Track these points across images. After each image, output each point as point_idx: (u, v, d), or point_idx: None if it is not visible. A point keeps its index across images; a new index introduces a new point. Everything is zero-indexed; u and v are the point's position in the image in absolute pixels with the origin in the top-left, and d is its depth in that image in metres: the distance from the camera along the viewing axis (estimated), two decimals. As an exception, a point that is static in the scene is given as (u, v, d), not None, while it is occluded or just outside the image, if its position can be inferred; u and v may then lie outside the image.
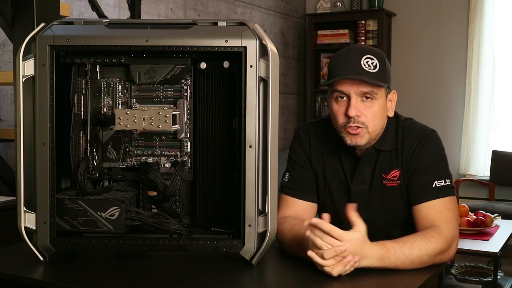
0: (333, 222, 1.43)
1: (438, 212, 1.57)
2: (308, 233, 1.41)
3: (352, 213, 1.43)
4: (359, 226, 1.42)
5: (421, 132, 1.66)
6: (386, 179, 1.66)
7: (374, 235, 1.64)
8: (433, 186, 1.59)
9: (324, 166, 1.73)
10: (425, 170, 1.62)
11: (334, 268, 1.37)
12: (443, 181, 1.60)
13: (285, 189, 1.74)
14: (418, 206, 1.60)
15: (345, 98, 1.60)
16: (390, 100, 1.67)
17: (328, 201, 1.74)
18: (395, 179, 1.65)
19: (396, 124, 1.69)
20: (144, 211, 1.54)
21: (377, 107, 1.61)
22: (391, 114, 1.68)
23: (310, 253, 1.39)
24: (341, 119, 1.61)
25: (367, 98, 1.59)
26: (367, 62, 1.58)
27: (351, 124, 1.59)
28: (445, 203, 1.58)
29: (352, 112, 1.58)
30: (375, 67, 1.58)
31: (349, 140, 1.61)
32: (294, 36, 5.63)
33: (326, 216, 1.43)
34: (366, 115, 1.59)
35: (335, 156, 1.72)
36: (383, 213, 1.68)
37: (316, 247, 1.39)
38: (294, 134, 1.80)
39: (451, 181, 1.62)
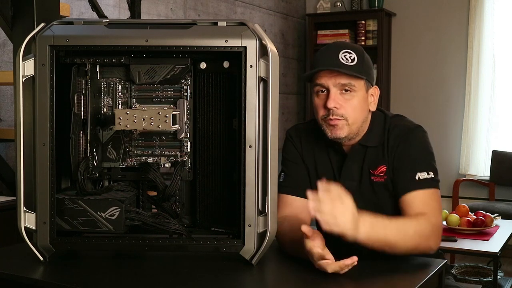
0: None
1: (422, 202, 1.61)
2: (308, 247, 1.40)
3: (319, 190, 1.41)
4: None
5: (405, 127, 1.70)
6: (374, 175, 1.69)
7: None
8: (417, 178, 1.63)
9: (315, 164, 1.76)
10: (408, 164, 1.65)
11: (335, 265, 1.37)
12: (425, 173, 1.64)
13: (281, 188, 1.74)
14: (404, 197, 1.63)
15: (325, 91, 1.64)
16: (372, 94, 1.70)
17: None
18: (381, 174, 1.68)
19: (384, 121, 1.73)
20: (144, 211, 1.54)
21: (356, 100, 1.64)
22: (372, 108, 1.71)
23: (320, 263, 1.38)
24: (321, 112, 1.66)
25: (346, 90, 1.63)
26: (344, 55, 1.62)
27: (331, 117, 1.63)
28: (429, 194, 1.62)
29: (330, 104, 1.62)
30: (352, 60, 1.62)
31: (330, 133, 1.66)
32: (294, 36, 5.63)
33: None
34: (345, 107, 1.63)
35: (324, 154, 1.75)
36: (374, 209, 1.69)
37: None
38: (285, 135, 1.84)
39: (435, 174, 1.65)
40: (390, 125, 1.71)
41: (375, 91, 1.71)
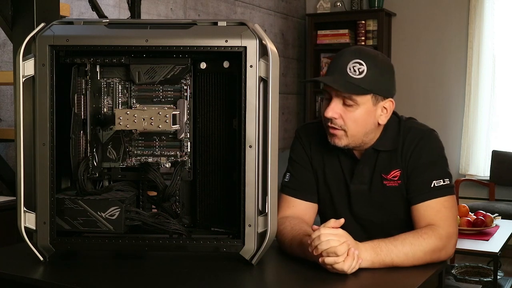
0: None
1: (435, 212, 1.57)
2: (312, 241, 1.42)
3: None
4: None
5: (419, 131, 1.66)
6: (386, 179, 1.66)
7: (375, 234, 1.65)
8: (432, 185, 1.59)
9: (324, 166, 1.73)
10: (424, 170, 1.62)
11: (345, 263, 1.38)
12: (441, 180, 1.60)
13: (285, 189, 1.74)
14: (416, 206, 1.60)
15: (329, 98, 1.61)
16: (384, 107, 1.63)
17: (327, 201, 1.74)
18: (395, 179, 1.65)
19: (398, 125, 1.68)
20: (144, 211, 1.54)
21: (359, 113, 1.58)
22: (382, 122, 1.64)
23: (322, 258, 1.39)
24: (324, 117, 1.63)
25: (348, 103, 1.57)
26: (353, 66, 1.56)
27: (329, 124, 1.61)
28: (443, 202, 1.58)
29: (328, 113, 1.58)
30: (361, 72, 1.55)
31: (330, 140, 1.63)
32: (294, 36, 5.63)
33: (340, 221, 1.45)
34: (345, 118, 1.59)
35: (334, 157, 1.72)
36: (384, 213, 1.68)
37: (325, 251, 1.39)
38: (295, 134, 1.80)
39: (450, 180, 1.62)
40: (404, 129, 1.66)
41: (388, 104, 1.63)
